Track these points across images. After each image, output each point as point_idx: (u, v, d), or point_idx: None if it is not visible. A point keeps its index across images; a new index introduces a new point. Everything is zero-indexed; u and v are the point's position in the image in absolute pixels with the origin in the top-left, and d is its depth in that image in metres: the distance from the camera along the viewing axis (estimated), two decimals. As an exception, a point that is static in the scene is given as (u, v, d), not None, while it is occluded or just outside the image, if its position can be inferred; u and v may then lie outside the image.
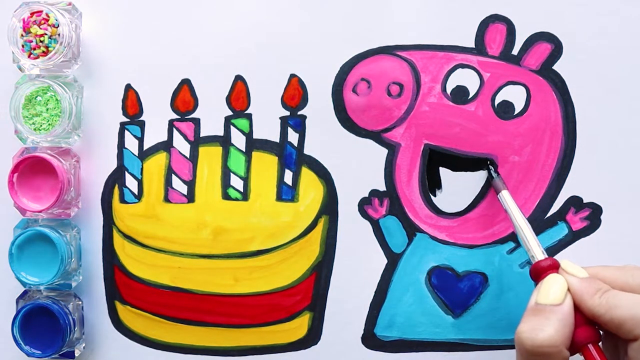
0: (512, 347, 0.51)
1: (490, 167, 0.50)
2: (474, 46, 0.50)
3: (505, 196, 0.48)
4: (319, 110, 0.51)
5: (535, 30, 0.50)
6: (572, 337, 0.41)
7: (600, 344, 0.42)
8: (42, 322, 0.50)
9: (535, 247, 0.45)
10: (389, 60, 0.51)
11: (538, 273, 0.44)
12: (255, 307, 0.52)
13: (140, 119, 0.52)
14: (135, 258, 0.52)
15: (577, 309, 0.41)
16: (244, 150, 0.52)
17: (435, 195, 0.50)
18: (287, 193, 0.51)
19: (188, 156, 0.52)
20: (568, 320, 0.40)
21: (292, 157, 0.51)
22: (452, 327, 0.51)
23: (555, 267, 0.43)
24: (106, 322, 0.53)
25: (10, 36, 0.50)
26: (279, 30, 0.51)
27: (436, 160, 0.50)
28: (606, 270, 0.43)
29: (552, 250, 0.50)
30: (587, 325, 0.41)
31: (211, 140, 0.52)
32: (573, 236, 0.51)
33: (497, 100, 0.50)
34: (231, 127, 0.52)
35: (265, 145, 0.51)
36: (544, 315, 0.41)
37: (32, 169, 0.50)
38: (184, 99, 0.52)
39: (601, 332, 0.42)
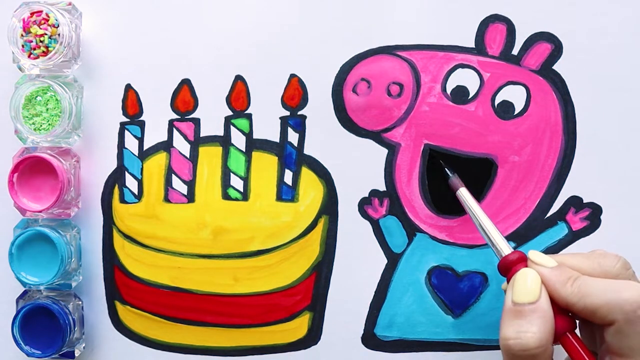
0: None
1: (444, 165, 0.49)
2: (474, 46, 0.50)
3: (463, 193, 0.48)
4: (319, 110, 0.51)
5: (535, 30, 0.50)
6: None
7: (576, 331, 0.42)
8: (42, 322, 0.50)
9: (500, 242, 0.44)
10: (389, 60, 0.51)
11: (507, 267, 0.43)
12: (255, 307, 0.52)
13: (140, 119, 0.52)
14: (135, 258, 0.52)
15: (551, 299, 0.40)
16: (244, 150, 0.51)
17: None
18: (287, 193, 0.51)
19: (188, 156, 0.52)
20: (548, 316, 0.40)
21: (292, 157, 0.51)
22: (452, 327, 0.51)
23: (523, 260, 0.43)
24: (106, 322, 0.53)
25: (10, 36, 0.50)
26: (279, 30, 0.51)
27: (436, 164, 0.51)
28: (573, 258, 0.42)
29: (552, 250, 0.50)
30: (562, 314, 0.41)
31: (211, 140, 0.52)
32: (573, 236, 0.51)
33: (497, 100, 0.50)
34: (231, 127, 0.52)
35: (265, 145, 0.51)
36: (524, 316, 0.40)
37: (32, 169, 0.50)
38: (184, 99, 0.52)
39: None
